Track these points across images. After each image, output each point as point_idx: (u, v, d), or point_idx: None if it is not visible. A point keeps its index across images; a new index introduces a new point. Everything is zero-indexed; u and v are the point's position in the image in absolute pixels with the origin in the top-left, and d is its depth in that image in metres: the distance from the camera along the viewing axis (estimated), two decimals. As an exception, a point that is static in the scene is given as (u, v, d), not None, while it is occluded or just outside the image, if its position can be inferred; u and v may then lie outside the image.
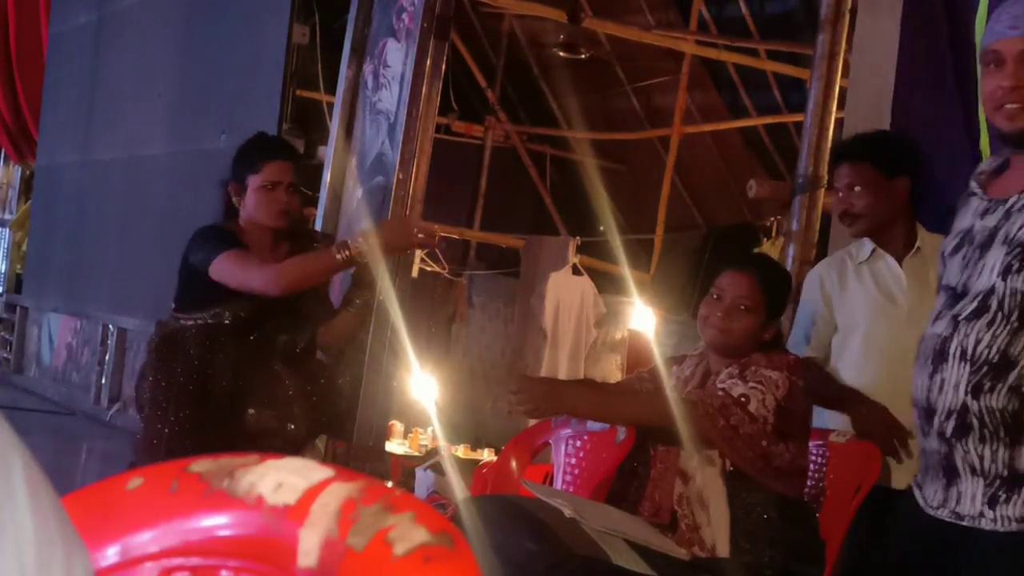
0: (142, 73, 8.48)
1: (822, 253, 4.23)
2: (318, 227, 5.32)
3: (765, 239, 7.02)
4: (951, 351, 2.41)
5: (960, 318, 2.41)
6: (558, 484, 3.61)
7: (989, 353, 2.36)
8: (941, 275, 2.56)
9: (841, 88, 4.30)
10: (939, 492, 2.46)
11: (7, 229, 12.61)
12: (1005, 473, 2.35)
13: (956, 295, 2.45)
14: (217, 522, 0.94)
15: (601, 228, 9.08)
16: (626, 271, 8.39)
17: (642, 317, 8.57)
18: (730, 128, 9.73)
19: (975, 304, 2.39)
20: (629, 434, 3.27)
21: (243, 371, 3.99)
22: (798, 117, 6.53)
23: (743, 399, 2.95)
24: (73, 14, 9.57)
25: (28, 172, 11.94)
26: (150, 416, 3.96)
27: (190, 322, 4.01)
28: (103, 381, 9.56)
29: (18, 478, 0.68)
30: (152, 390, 3.96)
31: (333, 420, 4.39)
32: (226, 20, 7.46)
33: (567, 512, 2.88)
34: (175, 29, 8.14)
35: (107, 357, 9.48)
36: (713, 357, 3.21)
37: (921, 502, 2.52)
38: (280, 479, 0.94)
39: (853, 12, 4.25)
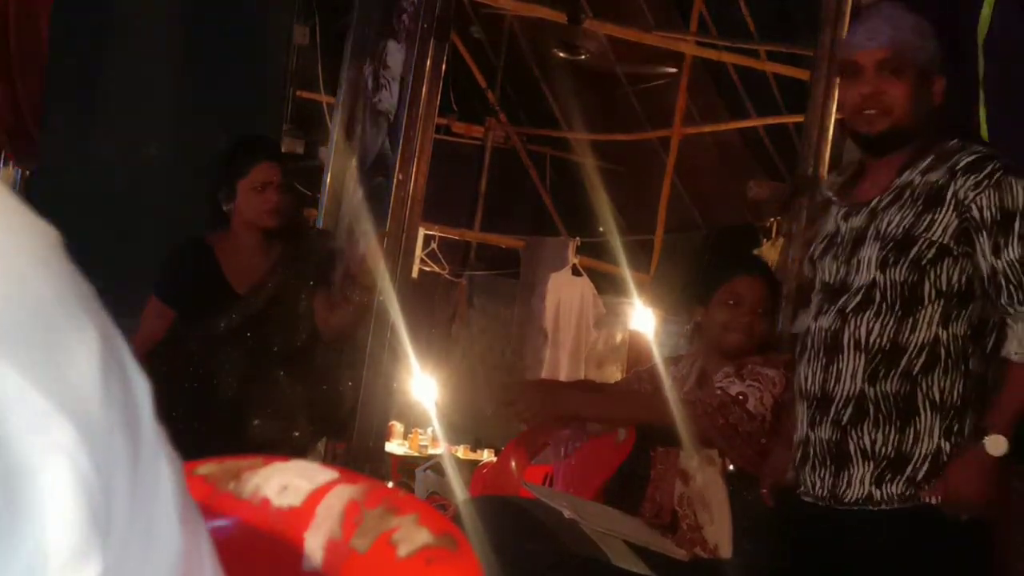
0: (142, 75, 8.48)
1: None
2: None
3: (765, 240, 7.01)
4: (844, 342, 2.56)
5: (847, 311, 2.57)
6: (558, 485, 3.61)
7: (881, 341, 2.53)
8: (812, 277, 2.73)
9: (841, 89, 4.30)
10: (827, 480, 2.59)
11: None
12: (893, 455, 2.51)
13: (835, 291, 2.61)
14: (223, 524, 0.95)
15: (601, 229, 9.08)
16: (626, 272, 8.39)
17: (642, 318, 8.58)
18: (730, 129, 9.72)
19: (859, 297, 2.56)
20: (629, 435, 3.27)
21: (245, 381, 4.01)
22: (798, 118, 6.54)
23: (741, 397, 2.96)
24: (73, 16, 9.55)
25: (27, 173, 11.93)
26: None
27: (187, 329, 4.03)
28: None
29: (204, 541, 0.69)
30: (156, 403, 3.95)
31: (337, 425, 4.40)
32: (227, 21, 7.46)
33: (567, 513, 2.88)
34: (175, 31, 8.15)
35: (107, 357, 9.45)
36: (710, 357, 3.22)
37: (804, 492, 2.64)
38: (285, 481, 0.95)
39: (853, 13, 4.25)
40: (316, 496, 0.92)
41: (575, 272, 8.93)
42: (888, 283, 2.53)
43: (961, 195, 2.50)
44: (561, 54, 9.03)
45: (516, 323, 9.41)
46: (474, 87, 10.53)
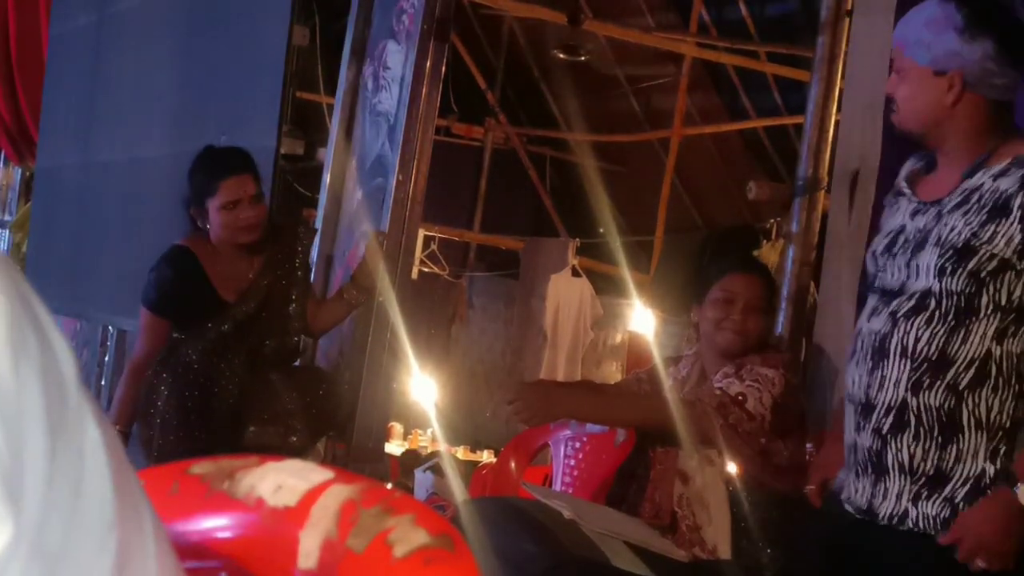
0: (142, 74, 8.48)
1: (821, 255, 4.23)
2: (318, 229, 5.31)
3: (765, 241, 7.00)
4: (891, 348, 2.45)
5: (899, 315, 2.46)
6: (557, 486, 3.61)
7: (929, 350, 2.41)
8: (872, 273, 2.60)
9: (841, 90, 4.29)
10: (866, 489, 2.49)
11: (7, 231, 12.61)
12: (932, 472, 2.40)
13: (892, 293, 2.49)
14: (217, 524, 0.94)
15: (601, 230, 9.08)
16: (626, 273, 8.39)
17: (642, 319, 8.57)
18: (730, 130, 9.72)
19: (913, 302, 2.44)
20: (628, 436, 3.27)
21: (243, 385, 3.98)
22: (798, 119, 6.53)
23: (740, 397, 2.96)
24: (73, 15, 9.56)
25: (28, 173, 11.94)
26: (160, 436, 3.95)
27: (184, 337, 4.01)
28: (103, 382, 9.55)
29: (147, 519, 0.70)
30: (160, 410, 3.94)
31: (335, 428, 4.38)
32: (226, 21, 7.46)
33: (566, 514, 2.88)
34: (175, 30, 8.14)
35: (107, 359, 9.47)
36: (709, 358, 3.22)
37: (846, 498, 2.55)
38: (280, 481, 0.94)
39: (853, 14, 4.24)
40: (311, 496, 0.91)
41: (575, 273, 8.93)
42: (944, 291, 2.41)
43: None
44: (561, 55, 9.02)
45: (516, 324, 9.41)
46: (474, 88, 10.52)
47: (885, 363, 2.46)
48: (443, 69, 4.85)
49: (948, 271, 2.40)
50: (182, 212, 4.21)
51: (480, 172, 10.59)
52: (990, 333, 2.39)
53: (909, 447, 2.42)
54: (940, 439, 2.40)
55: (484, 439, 8.75)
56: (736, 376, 3.02)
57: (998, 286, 2.39)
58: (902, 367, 2.43)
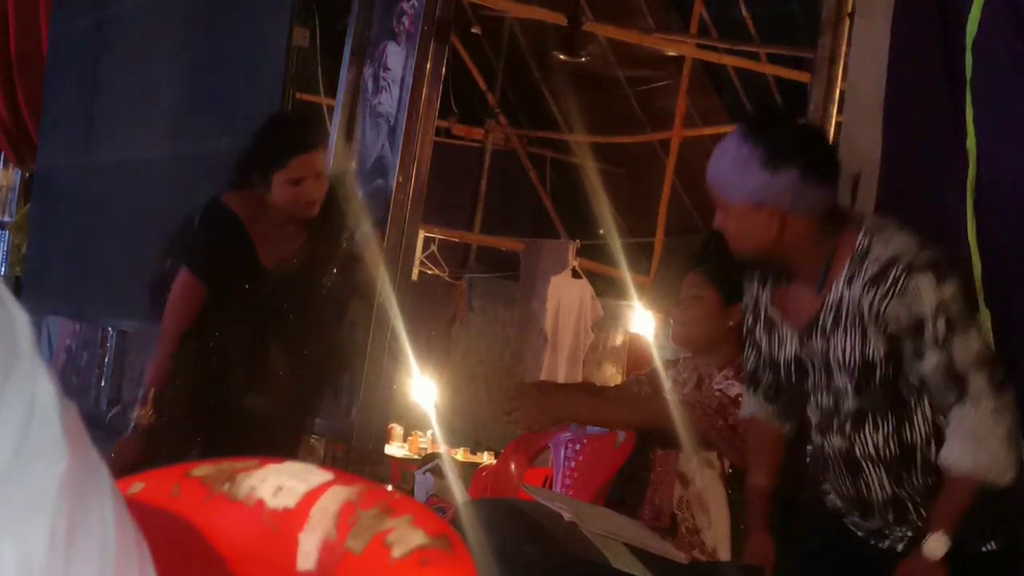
0: (142, 76, 8.48)
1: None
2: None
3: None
4: (860, 459, 2.60)
5: (847, 432, 2.60)
6: (557, 488, 3.61)
7: (891, 451, 2.56)
8: (795, 389, 2.72)
9: (842, 91, 4.29)
10: (874, 529, 2.68)
11: (6, 232, 12.61)
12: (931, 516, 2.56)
13: (829, 413, 2.63)
14: (218, 525, 0.94)
15: (601, 231, 9.08)
16: (626, 274, 8.39)
17: (642, 320, 8.57)
18: (730, 131, 9.71)
19: (851, 421, 2.59)
20: (629, 438, 3.27)
21: (260, 353, 3.90)
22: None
23: (740, 399, 2.96)
24: (73, 17, 9.55)
25: (27, 175, 11.94)
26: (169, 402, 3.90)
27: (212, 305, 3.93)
28: (102, 384, 9.54)
29: (106, 494, 0.72)
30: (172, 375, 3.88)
31: (318, 396, 4.27)
32: (226, 23, 7.46)
33: (566, 516, 2.87)
34: (175, 32, 8.14)
35: (106, 360, 9.46)
36: (699, 359, 3.23)
37: (851, 528, 2.72)
38: (280, 483, 0.94)
39: (854, 15, 4.24)
40: (311, 497, 0.91)
41: (575, 274, 8.92)
42: (872, 401, 2.55)
43: (876, 311, 2.50)
44: (561, 56, 9.02)
45: (516, 325, 9.41)
46: (474, 89, 10.53)
47: (862, 473, 2.61)
48: (443, 70, 4.85)
49: (863, 385, 2.54)
50: (192, 209, 4.08)
51: (480, 173, 10.59)
52: (928, 411, 2.53)
53: (915, 524, 2.60)
54: (933, 499, 2.54)
55: (484, 441, 8.75)
56: (736, 378, 3.02)
57: (907, 377, 2.52)
58: (878, 471, 2.59)
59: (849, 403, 2.58)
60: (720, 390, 3.00)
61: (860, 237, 2.58)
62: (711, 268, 3.27)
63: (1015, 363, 2.72)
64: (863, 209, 3.96)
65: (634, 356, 8.87)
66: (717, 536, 3.03)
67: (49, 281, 10.32)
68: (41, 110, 10.42)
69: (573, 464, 3.62)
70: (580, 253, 8.96)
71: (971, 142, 3.46)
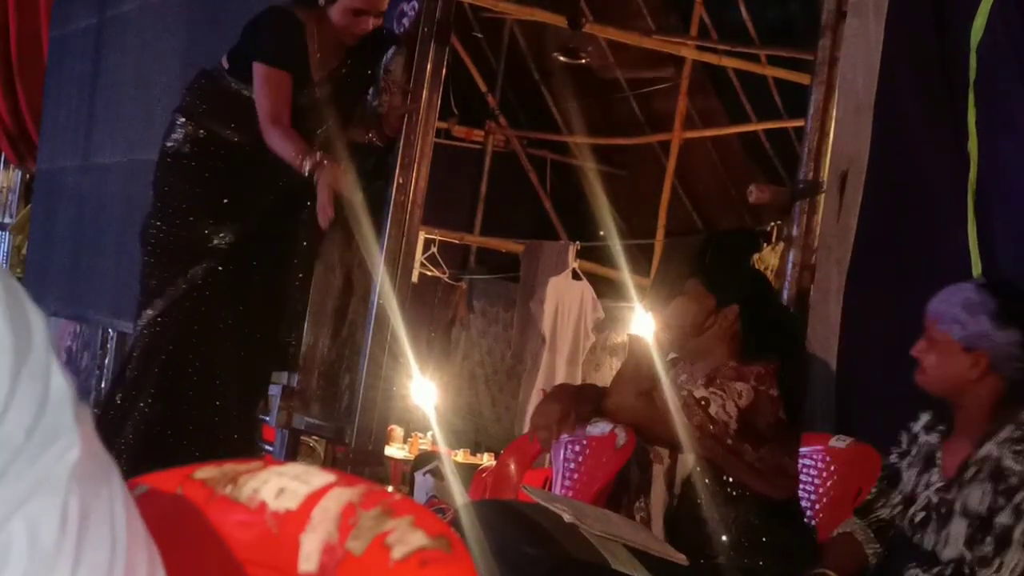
0: (143, 77, 8.48)
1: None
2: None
3: (765, 244, 7.01)
4: None
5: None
6: (557, 489, 3.61)
7: None
8: (907, 534, 2.83)
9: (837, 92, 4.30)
10: None
11: (7, 233, 12.61)
12: None
13: (927, 557, 2.75)
14: (220, 527, 0.95)
15: (601, 233, 9.08)
16: (626, 276, 8.39)
17: (642, 322, 8.57)
18: (730, 133, 9.73)
19: (950, 570, 2.69)
20: (629, 439, 3.27)
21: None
22: (798, 122, 6.54)
23: (703, 402, 2.97)
24: (74, 18, 9.55)
25: (28, 176, 11.94)
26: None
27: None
28: (103, 385, 9.54)
29: (116, 489, 0.74)
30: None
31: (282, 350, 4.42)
32: (227, 24, 7.46)
33: (567, 517, 2.88)
34: (176, 33, 8.14)
35: (107, 361, 9.45)
36: (683, 365, 3.24)
37: None
38: (282, 484, 0.95)
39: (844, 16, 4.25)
40: (312, 499, 0.92)
41: (575, 276, 8.92)
42: (975, 559, 2.66)
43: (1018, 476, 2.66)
44: (561, 58, 9.03)
45: (516, 327, 9.41)
46: (474, 91, 10.53)
47: None
48: (443, 72, 4.86)
49: (977, 540, 2.66)
50: None
51: (480, 175, 10.59)
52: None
53: None
54: None
55: (484, 442, 8.76)
56: (705, 381, 3.03)
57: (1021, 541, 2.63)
58: None
59: (950, 551, 2.70)
60: (688, 390, 3.01)
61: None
62: (707, 275, 3.29)
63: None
64: (850, 207, 3.96)
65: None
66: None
67: (49, 282, 10.32)
68: (42, 111, 10.41)
69: (573, 465, 3.62)
70: (580, 254, 8.96)
71: (972, 144, 3.46)
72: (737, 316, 3.14)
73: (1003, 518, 2.64)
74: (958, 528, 2.70)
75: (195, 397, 4.16)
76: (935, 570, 2.71)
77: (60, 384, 0.73)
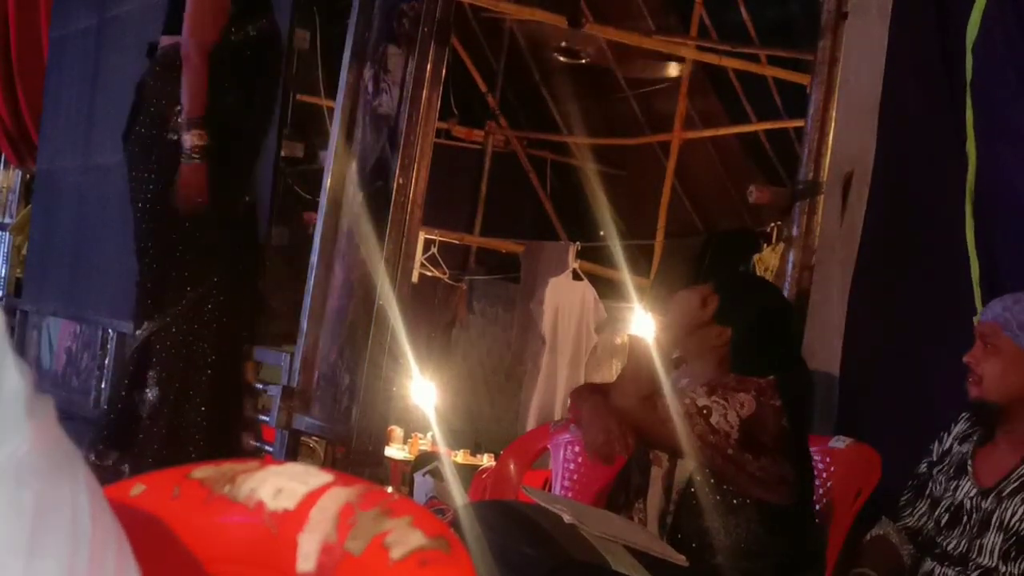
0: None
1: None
2: (317, 232, 5.31)
3: (765, 245, 7.00)
4: None
5: None
6: (557, 490, 3.60)
7: None
8: (930, 535, 2.82)
9: (839, 93, 4.30)
10: None
11: (7, 233, 12.61)
12: None
13: (954, 560, 2.72)
14: (218, 527, 0.94)
15: (601, 233, 9.08)
16: (626, 276, 8.39)
17: (642, 323, 8.57)
18: (730, 133, 9.72)
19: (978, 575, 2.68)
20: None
21: None
22: (799, 123, 6.53)
23: (705, 411, 2.96)
24: (74, 18, 9.55)
25: (28, 176, 11.93)
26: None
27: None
28: (103, 386, 9.53)
29: (81, 482, 0.74)
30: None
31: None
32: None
33: (566, 518, 2.87)
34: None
35: (107, 361, 9.45)
36: (684, 368, 3.24)
37: None
38: (280, 484, 0.95)
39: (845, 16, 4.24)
40: (311, 499, 0.92)
41: (575, 276, 8.92)
42: (1008, 573, 2.63)
43: None
44: (561, 58, 9.02)
45: (516, 327, 9.41)
46: (474, 91, 10.53)
47: None
48: (443, 72, 4.86)
49: (1012, 556, 2.62)
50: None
51: (480, 175, 10.59)
52: None
53: None
54: None
55: (484, 443, 8.75)
56: (707, 390, 3.02)
57: None
58: None
59: (984, 559, 2.66)
60: (691, 398, 3.00)
61: None
62: (716, 279, 3.29)
63: None
64: (855, 209, 3.96)
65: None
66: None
67: (49, 283, 10.32)
68: (41, 112, 10.41)
69: (573, 466, 3.62)
70: (580, 255, 8.96)
71: (970, 144, 3.46)
72: (729, 339, 3.13)
73: None
74: (994, 540, 2.66)
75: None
76: (957, 570, 2.70)
77: (14, 380, 0.73)
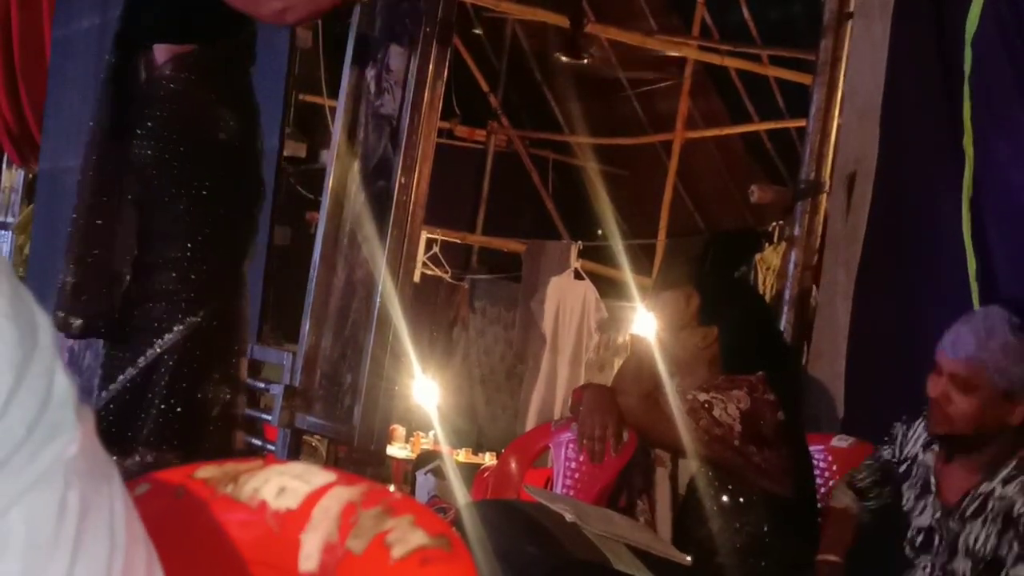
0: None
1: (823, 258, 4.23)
2: (319, 231, 5.32)
3: (767, 244, 7.01)
4: None
5: None
6: (558, 489, 3.61)
7: None
8: (910, 557, 2.79)
9: (843, 93, 4.30)
10: None
11: (9, 233, 12.61)
12: None
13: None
14: (221, 526, 0.95)
15: (602, 233, 9.08)
16: (628, 276, 8.39)
17: (644, 322, 8.56)
18: (732, 133, 9.73)
19: None
20: (630, 439, 3.27)
21: None
22: (800, 122, 6.53)
23: (707, 405, 2.97)
24: (76, 18, 9.56)
25: (31, 176, 11.94)
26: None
27: None
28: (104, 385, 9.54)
29: (116, 488, 0.76)
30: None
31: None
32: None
33: (568, 517, 2.88)
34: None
35: (109, 361, 9.45)
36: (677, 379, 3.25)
37: None
38: (283, 484, 0.95)
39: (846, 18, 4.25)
40: (313, 498, 0.92)
41: (577, 276, 8.92)
42: None
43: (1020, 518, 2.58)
44: (563, 58, 9.02)
45: (517, 327, 9.41)
46: (476, 91, 10.53)
47: None
48: (445, 72, 4.86)
49: None
50: None
51: (482, 175, 10.59)
52: None
53: None
54: None
55: (486, 442, 8.76)
56: (703, 389, 3.04)
57: None
58: None
59: None
60: (692, 395, 3.02)
61: None
62: (694, 282, 3.29)
63: None
64: (858, 208, 3.97)
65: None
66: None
67: (52, 282, 10.28)
68: (44, 111, 10.42)
69: (574, 465, 3.62)
70: (582, 254, 8.96)
71: (968, 139, 3.46)
72: (716, 339, 3.14)
73: (1019, 569, 2.58)
74: (963, 566, 2.65)
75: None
76: None
77: (63, 383, 0.75)
